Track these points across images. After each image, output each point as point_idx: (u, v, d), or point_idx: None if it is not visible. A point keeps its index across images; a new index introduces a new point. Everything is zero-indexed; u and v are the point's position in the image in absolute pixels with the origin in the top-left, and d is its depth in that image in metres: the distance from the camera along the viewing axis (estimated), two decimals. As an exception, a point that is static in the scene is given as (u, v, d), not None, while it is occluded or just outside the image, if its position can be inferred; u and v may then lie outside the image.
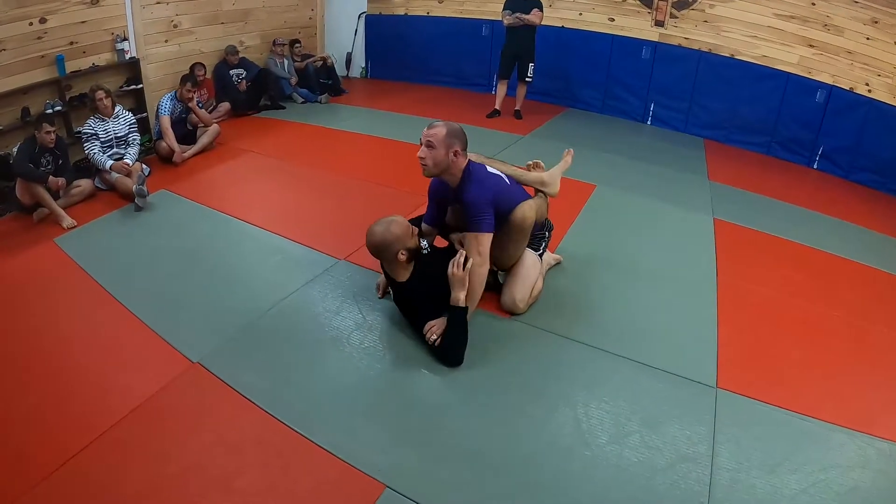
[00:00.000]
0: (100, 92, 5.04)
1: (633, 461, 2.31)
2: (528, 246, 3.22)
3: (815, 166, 6.29)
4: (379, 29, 8.89)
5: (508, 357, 2.91)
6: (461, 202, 2.94)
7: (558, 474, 2.26)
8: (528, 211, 3.02)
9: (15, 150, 4.70)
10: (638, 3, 6.94)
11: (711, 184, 5.42)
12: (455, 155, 2.88)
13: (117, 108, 5.20)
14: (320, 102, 7.69)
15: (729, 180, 5.52)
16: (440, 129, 2.88)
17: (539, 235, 3.30)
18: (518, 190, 3.20)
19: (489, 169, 3.09)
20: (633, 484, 2.22)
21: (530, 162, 3.61)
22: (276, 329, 3.13)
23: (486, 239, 2.90)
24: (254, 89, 7.34)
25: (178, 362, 2.87)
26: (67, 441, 2.43)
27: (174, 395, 2.68)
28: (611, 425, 2.49)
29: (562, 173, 3.59)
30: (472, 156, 3.10)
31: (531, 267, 3.22)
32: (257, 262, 3.83)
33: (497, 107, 7.01)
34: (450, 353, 2.80)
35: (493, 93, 7.48)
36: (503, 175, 3.16)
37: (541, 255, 3.34)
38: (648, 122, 7.21)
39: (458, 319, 2.81)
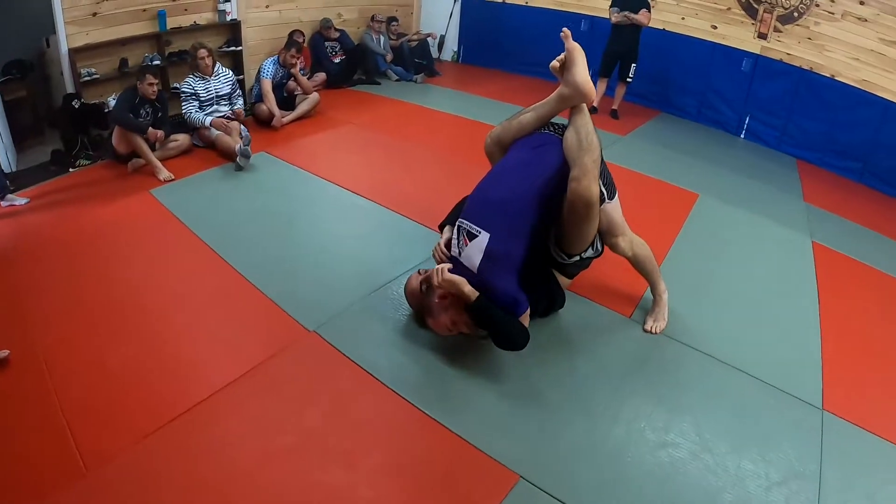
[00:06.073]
0: (202, 50, 5.08)
1: (750, 472, 2.26)
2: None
3: (909, 199, 6.01)
4: (475, 14, 8.90)
5: (627, 358, 2.86)
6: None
7: (682, 480, 2.21)
8: (588, 186, 2.35)
9: (110, 99, 4.75)
10: (743, 13, 6.72)
11: (807, 206, 5.25)
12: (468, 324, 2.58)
13: (216, 67, 5.24)
14: (415, 82, 7.75)
15: (823, 204, 5.32)
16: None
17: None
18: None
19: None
20: (748, 494, 2.18)
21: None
22: (395, 304, 3.06)
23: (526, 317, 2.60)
24: (349, 63, 7.39)
25: (292, 329, 2.84)
26: (170, 400, 2.36)
27: (289, 362, 2.63)
28: (731, 435, 2.44)
29: (579, 65, 2.50)
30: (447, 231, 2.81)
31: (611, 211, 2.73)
32: (367, 233, 3.82)
33: (594, 104, 6.87)
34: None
35: (591, 89, 7.39)
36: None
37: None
38: (742, 136, 7.00)
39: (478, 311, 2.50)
